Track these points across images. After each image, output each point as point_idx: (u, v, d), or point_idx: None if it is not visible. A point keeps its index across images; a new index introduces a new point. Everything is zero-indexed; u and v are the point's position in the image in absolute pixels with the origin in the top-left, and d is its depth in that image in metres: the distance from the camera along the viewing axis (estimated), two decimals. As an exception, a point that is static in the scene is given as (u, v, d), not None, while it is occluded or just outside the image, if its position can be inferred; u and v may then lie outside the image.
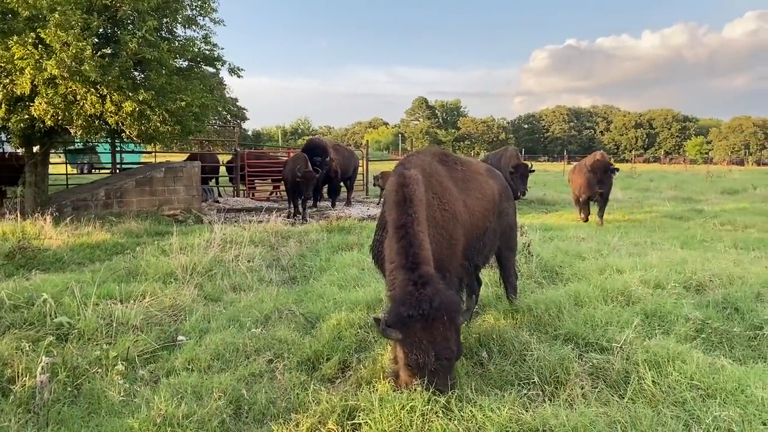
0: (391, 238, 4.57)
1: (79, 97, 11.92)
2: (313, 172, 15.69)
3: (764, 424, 3.61)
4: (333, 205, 19.74)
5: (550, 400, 4.17)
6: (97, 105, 11.97)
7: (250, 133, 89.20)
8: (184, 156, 22.00)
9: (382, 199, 16.32)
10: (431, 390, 3.93)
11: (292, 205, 16.58)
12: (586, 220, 14.80)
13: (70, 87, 11.71)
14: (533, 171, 17.97)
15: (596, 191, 14.16)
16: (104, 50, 12.11)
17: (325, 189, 19.87)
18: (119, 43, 12.20)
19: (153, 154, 24.20)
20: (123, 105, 12.05)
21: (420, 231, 4.50)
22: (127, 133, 13.06)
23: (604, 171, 14.08)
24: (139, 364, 5.14)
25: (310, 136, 27.27)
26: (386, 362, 4.82)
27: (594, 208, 15.09)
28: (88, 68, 11.33)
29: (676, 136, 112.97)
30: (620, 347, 4.80)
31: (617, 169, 14.51)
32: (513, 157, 18.13)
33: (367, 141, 31.35)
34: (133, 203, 15.23)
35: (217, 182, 23.47)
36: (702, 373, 4.34)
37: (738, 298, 6.43)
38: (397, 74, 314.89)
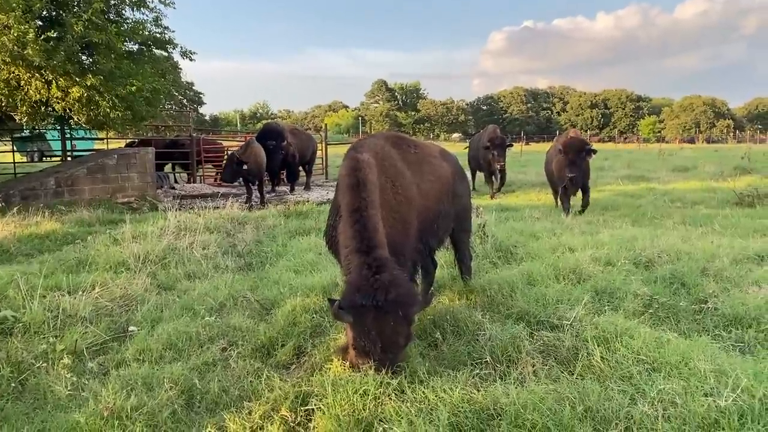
0: (345, 222, 4.54)
1: (23, 82, 11.54)
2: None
3: (706, 395, 3.72)
4: (292, 189, 19.58)
5: (502, 379, 4.22)
6: (42, 90, 11.60)
7: (207, 117, 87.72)
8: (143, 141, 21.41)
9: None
10: (373, 369, 3.99)
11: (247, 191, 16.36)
12: (567, 210, 12.51)
13: (13, 72, 11.32)
14: (511, 145, 17.40)
15: (565, 175, 12.01)
16: (48, 33, 11.74)
17: (284, 174, 19.71)
18: (64, 26, 11.81)
19: (105, 140, 23.58)
20: (70, 90, 11.72)
21: (374, 215, 4.48)
22: (76, 119, 12.71)
23: (577, 152, 11.90)
24: (88, 356, 5.02)
25: (268, 121, 26.92)
26: (339, 343, 4.81)
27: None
28: (31, 52, 10.95)
29: (630, 115, 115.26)
30: (570, 325, 4.89)
31: (594, 151, 12.22)
32: (491, 133, 17.30)
33: (326, 124, 31.12)
34: (85, 191, 14.82)
35: (173, 168, 23.04)
36: (648, 348, 4.44)
37: (684, 273, 6.60)
38: (356, 56, 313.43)
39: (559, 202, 13.27)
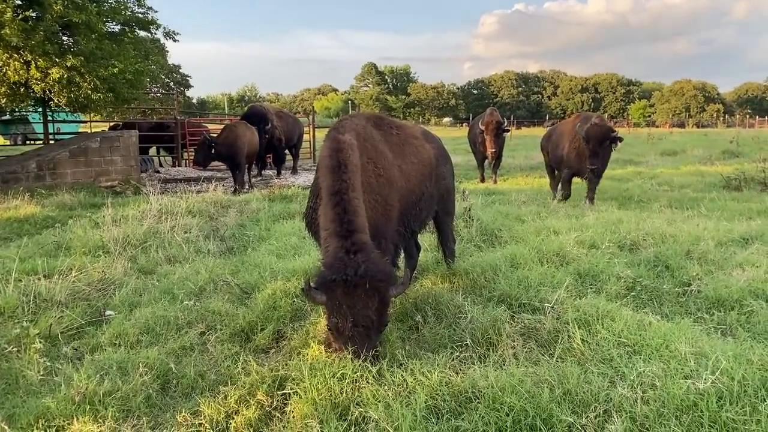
0: (326, 205, 4.46)
1: (1, 63, 11.30)
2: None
3: (686, 378, 3.69)
4: (278, 173, 19.42)
5: (482, 362, 4.18)
6: (21, 71, 11.40)
7: (195, 101, 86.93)
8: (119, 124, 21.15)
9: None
10: (348, 353, 3.93)
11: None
12: (567, 198, 11.84)
13: (-10, 52, 11.08)
14: (507, 130, 16.51)
15: (586, 166, 11.08)
16: (27, 13, 11.49)
17: (270, 158, 19.54)
18: (43, 5, 11.57)
19: (89, 123, 23.27)
20: (50, 71, 11.52)
21: (355, 197, 4.40)
22: (56, 101, 12.49)
23: (600, 141, 10.87)
24: (63, 341, 4.93)
25: (253, 103, 26.66)
26: (320, 330, 4.75)
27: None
28: (9, 32, 10.74)
29: (621, 99, 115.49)
30: (552, 307, 4.85)
31: (620, 138, 11.15)
32: (487, 116, 16.41)
33: (314, 107, 30.92)
34: (68, 175, 14.62)
35: (158, 152, 22.80)
36: (629, 331, 4.41)
37: (669, 256, 6.58)
38: (343, 38, 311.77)
39: (559, 189, 12.18)
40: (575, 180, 12.28)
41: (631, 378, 3.73)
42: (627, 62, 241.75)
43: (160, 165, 21.68)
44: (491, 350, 4.40)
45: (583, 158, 11.24)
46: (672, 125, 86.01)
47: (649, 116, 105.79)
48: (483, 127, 16.06)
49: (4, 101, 11.97)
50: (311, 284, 4.06)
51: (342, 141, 4.69)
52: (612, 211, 9.80)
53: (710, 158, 21.91)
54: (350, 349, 3.96)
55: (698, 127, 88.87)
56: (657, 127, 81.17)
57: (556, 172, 13.03)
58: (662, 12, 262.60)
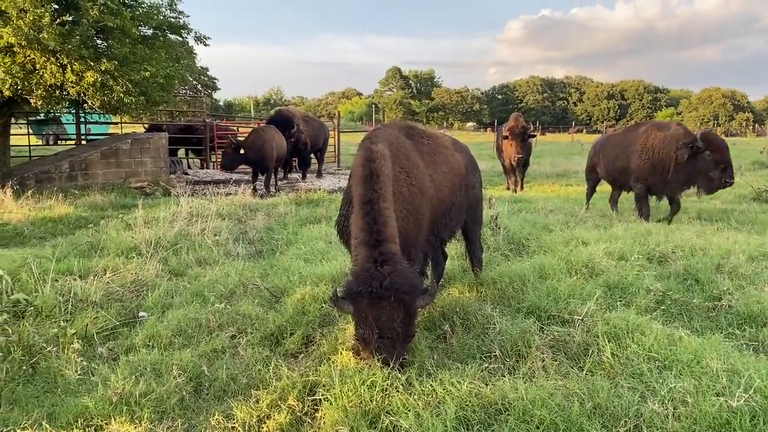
0: (357, 213, 4.52)
1: (38, 66, 11.57)
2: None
3: (718, 395, 3.67)
4: (303, 177, 19.59)
5: (511, 374, 4.19)
6: (57, 74, 11.63)
7: (221, 103, 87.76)
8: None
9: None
10: (376, 361, 3.98)
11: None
12: (647, 217, 10.36)
13: (29, 56, 11.36)
14: (533, 135, 16.06)
15: (674, 180, 9.80)
16: (64, 17, 11.74)
17: (296, 161, 19.71)
18: (80, 10, 11.82)
19: (120, 125, 23.65)
20: (84, 75, 11.75)
21: (386, 208, 4.45)
22: (90, 103, 12.74)
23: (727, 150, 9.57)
24: (98, 341, 5.05)
25: (280, 107, 26.90)
26: (349, 336, 4.80)
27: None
28: (46, 36, 10.99)
29: (648, 107, 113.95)
30: (581, 320, 4.84)
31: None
32: (511, 121, 15.92)
33: (338, 112, 31.05)
34: (99, 175, 14.91)
35: (186, 154, 23.09)
36: (660, 345, 4.39)
37: (699, 270, 6.51)
38: (368, 43, 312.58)
39: (634, 208, 10.83)
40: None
41: (662, 393, 3.72)
42: (654, 69, 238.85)
43: (189, 167, 21.96)
44: (520, 362, 4.41)
45: (663, 171, 9.88)
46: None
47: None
48: (507, 133, 15.70)
49: (40, 103, 12.22)
50: (339, 294, 4.14)
51: (375, 151, 4.75)
52: (640, 221, 9.72)
53: (740, 168, 21.55)
54: (378, 357, 4.01)
55: (727, 135, 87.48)
56: (685, 135, 79.84)
57: (598, 186, 12.32)
58: (691, 18, 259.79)
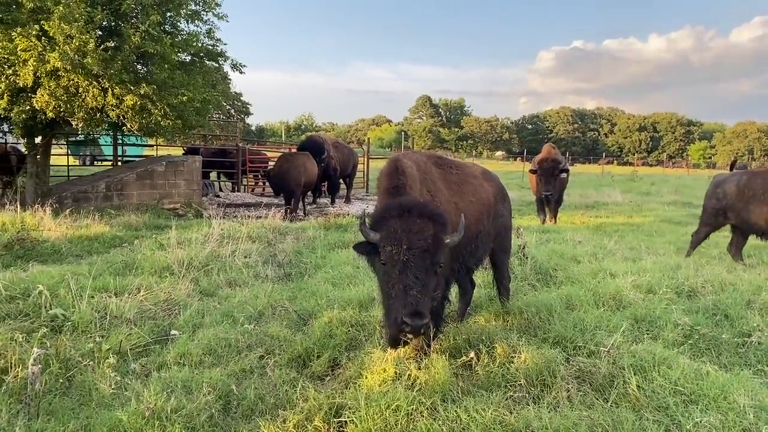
0: (381, 201, 4.82)
1: (81, 89, 11.99)
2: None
3: (744, 431, 3.65)
4: (332, 202, 19.80)
5: (535, 403, 4.22)
6: (98, 98, 12.03)
7: (253, 128, 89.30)
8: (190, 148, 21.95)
9: None
10: (406, 300, 3.95)
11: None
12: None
13: (73, 79, 11.78)
14: (566, 170, 14.61)
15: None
16: (107, 43, 12.20)
17: (325, 186, 19.95)
18: (122, 36, 12.25)
19: (155, 147, 24.24)
20: (124, 98, 12.14)
21: (411, 192, 4.69)
22: (128, 126, 13.12)
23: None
24: (132, 357, 5.19)
25: (311, 133, 27.32)
26: (374, 360, 4.85)
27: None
28: (90, 61, 11.41)
29: (680, 140, 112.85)
30: (607, 351, 4.84)
31: None
32: (542, 154, 14.98)
33: (368, 138, 31.45)
34: (134, 196, 15.28)
35: (218, 177, 23.52)
36: (686, 379, 4.37)
37: (728, 305, 6.44)
38: (401, 71, 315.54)
39: (731, 253, 10.04)
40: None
41: (688, 427, 3.72)
42: (688, 102, 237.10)
43: (220, 189, 22.36)
44: (545, 392, 4.43)
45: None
46: (734, 168, 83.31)
47: (710, 158, 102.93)
48: (536, 167, 14.83)
49: (81, 125, 12.64)
50: (366, 222, 4.28)
51: (401, 160, 5.04)
52: (670, 255, 9.64)
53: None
54: (404, 287, 4.02)
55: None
56: (718, 169, 78.88)
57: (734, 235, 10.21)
58: (726, 51, 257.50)
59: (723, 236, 12.69)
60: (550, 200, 14.96)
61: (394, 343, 4.37)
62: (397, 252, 4.07)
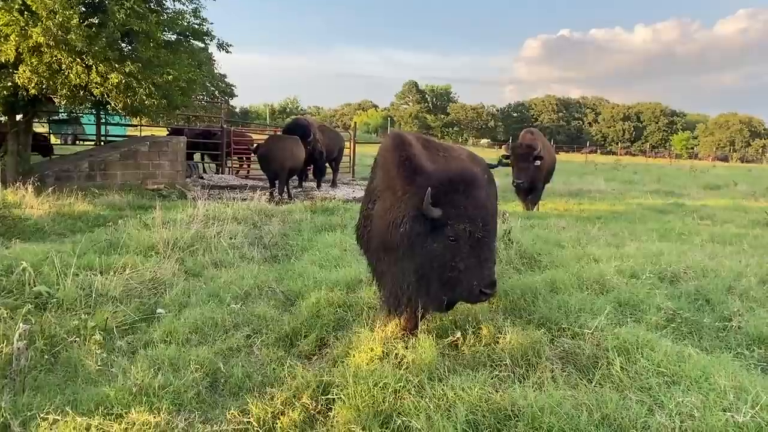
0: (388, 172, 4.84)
1: (64, 66, 11.79)
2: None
3: (725, 411, 3.73)
4: (318, 185, 19.76)
5: (521, 382, 4.27)
6: (82, 75, 11.84)
7: (238, 110, 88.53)
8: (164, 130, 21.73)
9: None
10: (482, 273, 4.21)
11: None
12: None
13: (56, 56, 11.58)
14: (540, 157, 13.05)
15: None
16: (91, 20, 11.97)
17: (311, 169, 19.90)
18: (107, 13, 12.03)
19: (138, 127, 23.99)
20: (109, 76, 11.94)
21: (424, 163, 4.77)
22: (113, 105, 12.96)
23: None
24: (118, 335, 5.17)
25: (296, 116, 27.18)
26: (362, 339, 4.87)
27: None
28: (74, 37, 11.21)
29: (663, 130, 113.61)
30: (591, 333, 4.91)
31: None
32: (519, 139, 13.89)
33: (355, 123, 31.31)
34: (117, 176, 15.15)
35: (202, 158, 23.34)
36: (669, 361, 4.45)
37: (710, 290, 6.55)
38: (386, 56, 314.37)
39: None
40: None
41: (670, 407, 3.79)
42: (671, 92, 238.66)
43: (204, 171, 22.19)
44: (530, 371, 4.49)
45: None
46: (715, 158, 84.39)
47: (692, 148, 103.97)
48: (509, 151, 13.45)
49: (64, 102, 12.46)
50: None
51: (404, 134, 5.11)
52: (653, 241, 9.75)
53: (755, 194, 21.52)
54: (483, 267, 4.22)
55: (742, 161, 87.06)
56: (699, 159, 79.77)
57: None
58: (710, 43, 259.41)
59: (703, 225, 12.87)
60: (521, 189, 13.74)
61: (441, 308, 4.76)
62: (473, 229, 4.17)
